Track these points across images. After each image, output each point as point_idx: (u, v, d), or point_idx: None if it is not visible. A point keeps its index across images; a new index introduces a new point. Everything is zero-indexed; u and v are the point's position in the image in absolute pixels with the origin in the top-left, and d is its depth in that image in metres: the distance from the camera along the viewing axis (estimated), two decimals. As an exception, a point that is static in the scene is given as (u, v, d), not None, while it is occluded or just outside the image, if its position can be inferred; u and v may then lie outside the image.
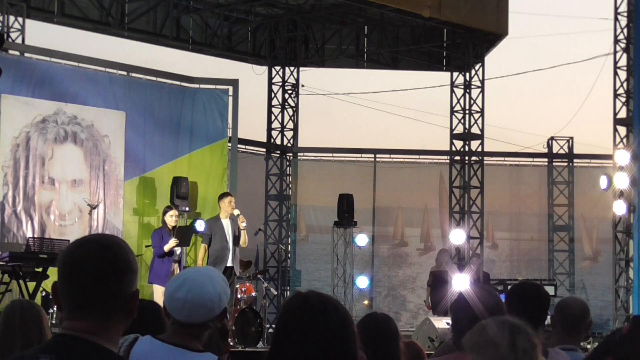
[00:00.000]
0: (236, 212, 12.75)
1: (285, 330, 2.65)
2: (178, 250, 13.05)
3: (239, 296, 13.27)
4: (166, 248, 12.80)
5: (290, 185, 19.69)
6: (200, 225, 13.87)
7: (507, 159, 20.11)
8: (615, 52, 17.38)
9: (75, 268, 2.31)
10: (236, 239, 12.78)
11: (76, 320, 2.31)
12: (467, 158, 18.97)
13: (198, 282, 3.33)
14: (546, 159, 19.92)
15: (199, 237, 14.38)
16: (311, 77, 20.19)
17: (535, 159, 20.09)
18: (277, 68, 19.89)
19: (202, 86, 16.84)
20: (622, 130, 17.19)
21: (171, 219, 13.22)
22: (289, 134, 19.80)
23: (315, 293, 2.72)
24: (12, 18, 16.08)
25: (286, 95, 19.85)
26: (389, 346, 4.37)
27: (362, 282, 18.23)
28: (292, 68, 19.87)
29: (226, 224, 12.78)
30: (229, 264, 12.71)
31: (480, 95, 18.89)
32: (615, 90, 17.32)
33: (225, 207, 12.83)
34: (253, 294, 13.67)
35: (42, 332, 4.32)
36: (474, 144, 18.97)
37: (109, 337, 2.31)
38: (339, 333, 2.62)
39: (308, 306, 2.65)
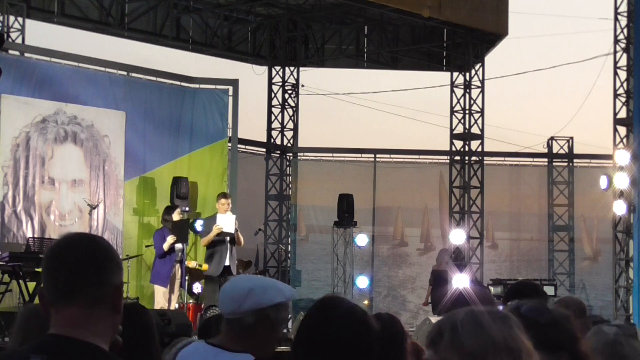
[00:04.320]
0: (229, 213, 12.79)
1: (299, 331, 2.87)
2: (180, 246, 13.01)
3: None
4: (165, 246, 12.80)
5: (290, 185, 19.70)
6: (200, 225, 13.89)
7: (507, 159, 20.10)
8: (615, 52, 17.37)
9: (58, 255, 2.36)
10: (233, 238, 12.82)
11: (61, 310, 2.31)
12: (467, 158, 18.98)
13: (239, 277, 3.57)
14: (546, 159, 19.91)
15: (198, 237, 14.39)
16: (311, 77, 20.23)
17: (535, 159, 20.09)
18: (277, 68, 19.89)
19: (202, 86, 16.84)
20: (622, 130, 17.18)
21: (179, 217, 13.30)
22: (289, 134, 19.81)
23: (332, 298, 2.96)
24: (12, 18, 16.09)
25: (286, 95, 19.85)
26: (393, 347, 4.37)
27: (362, 282, 18.23)
28: (292, 68, 19.87)
29: None
30: (227, 263, 12.74)
31: (480, 95, 18.90)
32: (615, 90, 17.31)
33: (219, 207, 12.91)
34: (253, 294, 13.65)
35: None
36: (474, 144, 18.98)
37: (96, 331, 2.30)
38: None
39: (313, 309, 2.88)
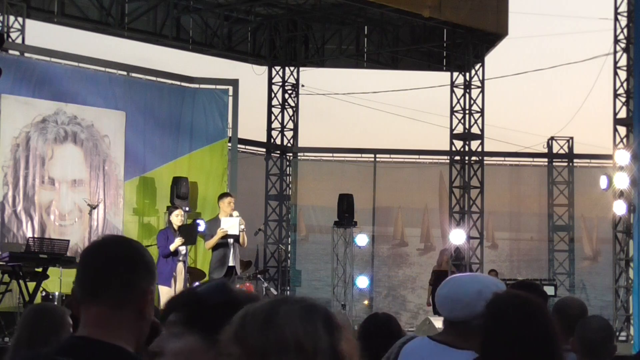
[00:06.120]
0: (235, 213, 12.75)
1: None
2: (183, 250, 13.03)
3: (239, 296, 13.27)
4: (172, 247, 12.78)
5: (290, 185, 19.70)
6: (201, 225, 13.87)
7: (507, 159, 20.10)
8: (615, 52, 17.37)
9: (89, 255, 2.40)
10: (237, 237, 12.80)
11: (88, 309, 2.32)
12: (467, 158, 18.96)
13: (460, 279, 3.53)
14: (546, 159, 19.91)
15: (199, 237, 14.39)
16: (311, 77, 20.23)
17: (535, 159, 20.08)
18: (277, 68, 19.89)
19: (202, 86, 16.85)
20: (622, 130, 17.18)
21: (177, 218, 13.24)
22: (289, 134, 19.81)
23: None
24: (12, 18, 16.08)
25: (286, 95, 19.85)
26: (391, 346, 4.38)
27: (362, 282, 18.23)
28: (292, 68, 19.87)
29: None
30: (231, 263, 12.72)
31: (480, 95, 18.88)
32: (615, 90, 17.31)
33: (225, 207, 12.85)
34: (253, 294, 13.66)
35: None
36: (474, 144, 18.96)
37: (120, 334, 2.30)
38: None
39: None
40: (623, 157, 14.80)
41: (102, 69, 15.66)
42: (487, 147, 19.12)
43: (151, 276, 2.39)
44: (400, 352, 3.59)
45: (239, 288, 2.17)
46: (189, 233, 13.16)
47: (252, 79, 19.29)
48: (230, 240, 12.72)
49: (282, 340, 1.66)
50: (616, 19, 17.30)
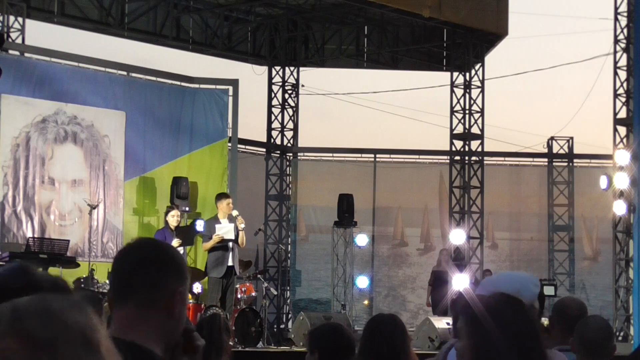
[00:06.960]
0: (235, 212, 12.75)
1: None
2: (180, 250, 13.04)
3: (239, 296, 13.28)
4: None
5: (290, 185, 19.69)
6: (200, 225, 13.87)
7: (507, 159, 20.09)
8: (615, 52, 17.38)
9: (122, 256, 2.45)
10: (236, 237, 12.80)
11: (117, 311, 2.35)
12: (467, 158, 18.98)
13: (498, 279, 3.55)
14: (546, 159, 19.90)
15: (198, 237, 14.40)
16: (311, 77, 20.21)
17: (535, 159, 20.08)
18: (277, 68, 19.89)
19: (202, 86, 16.84)
20: (622, 130, 17.19)
21: (173, 219, 13.23)
22: (289, 134, 19.81)
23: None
24: (12, 18, 16.08)
25: (286, 95, 19.85)
26: (395, 346, 4.39)
27: (362, 282, 18.23)
28: (292, 68, 19.87)
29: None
30: (230, 263, 12.72)
31: (480, 95, 18.90)
32: (615, 90, 17.32)
33: (223, 208, 12.84)
34: (253, 294, 13.67)
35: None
36: (474, 144, 18.98)
37: (147, 332, 2.31)
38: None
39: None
40: (623, 157, 14.81)
41: (102, 69, 15.66)
42: (487, 147, 19.14)
43: (181, 277, 2.40)
44: (448, 357, 3.65)
45: (42, 272, 2.06)
46: (186, 234, 13.17)
47: (252, 79, 19.30)
48: (229, 244, 12.72)
49: (69, 332, 1.59)
50: (616, 19, 17.31)
